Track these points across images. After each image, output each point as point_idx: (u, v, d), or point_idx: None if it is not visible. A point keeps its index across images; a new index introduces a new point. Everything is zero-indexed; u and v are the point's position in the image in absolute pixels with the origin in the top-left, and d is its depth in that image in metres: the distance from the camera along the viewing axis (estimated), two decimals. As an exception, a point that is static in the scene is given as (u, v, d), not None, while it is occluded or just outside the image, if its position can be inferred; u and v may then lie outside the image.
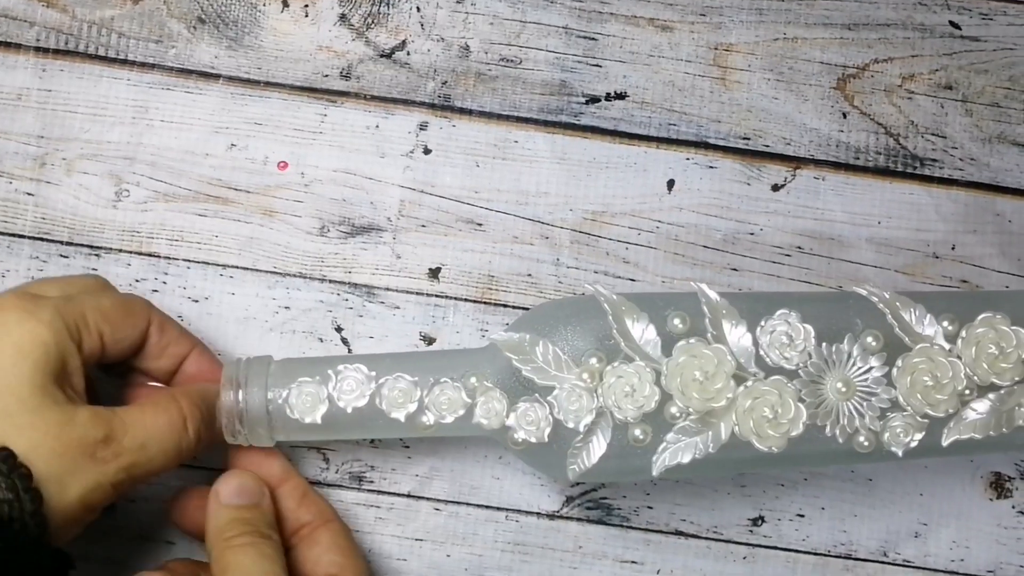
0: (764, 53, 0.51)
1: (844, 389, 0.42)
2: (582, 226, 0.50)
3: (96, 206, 0.48)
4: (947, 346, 0.43)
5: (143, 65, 0.49)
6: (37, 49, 0.49)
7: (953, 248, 0.50)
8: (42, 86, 0.49)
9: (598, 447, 0.42)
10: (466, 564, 0.48)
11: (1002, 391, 0.43)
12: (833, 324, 0.43)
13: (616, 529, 0.49)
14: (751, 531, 0.49)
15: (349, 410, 0.42)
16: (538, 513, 0.49)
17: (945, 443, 0.42)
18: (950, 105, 0.51)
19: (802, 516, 0.49)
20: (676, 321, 0.42)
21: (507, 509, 0.49)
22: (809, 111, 0.51)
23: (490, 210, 0.50)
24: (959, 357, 0.42)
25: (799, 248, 0.50)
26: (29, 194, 0.48)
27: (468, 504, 0.48)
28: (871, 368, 0.42)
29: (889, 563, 0.49)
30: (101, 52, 0.49)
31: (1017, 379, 0.43)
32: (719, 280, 0.50)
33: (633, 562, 0.49)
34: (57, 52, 0.49)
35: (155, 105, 0.49)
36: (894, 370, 0.42)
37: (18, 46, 0.49)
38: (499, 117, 0.50)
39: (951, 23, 0.51)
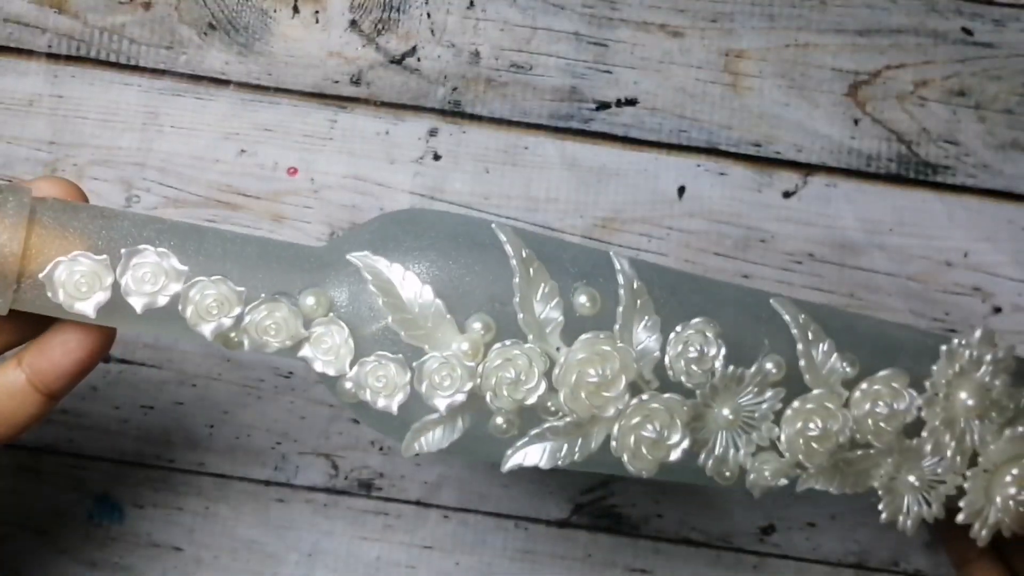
0: (775, 59, 0.51)
1: (731, 418, 0.37)
2: (592, 233, 0.49)
3: (106, 212, 0.49)
4: (844, 393, 0.38)
5: (154, 71, 0.49)
6: (48, 55, 0.49)
7: (966, 256, 0.50)
8: (53, 92, 0.49)
9: (452, 431, 0.35)
10: (475, 572, 0.48)
11: (871, 451, 0.39)
12: (743, 340, 0.37)
13: (625, 538, 0.49)
14: (761, 540, 0.49)
15: (139, 309, 0.33)
16: (547, 521, 0.49)
17: (799, 489, 0.38)
18: (963, 112, 0.51)
19: (813, 525, 0.49)
20: (583, 299, 0.35)
21: (516, 517, 0.48)
22: (821, 118, 0.50)
23: (500, 216, 0.49)
24: (849, 408, 0.38)
25: (811, 255, 0.50)
26: (40, 200, 0.48)
27: (477, 512, 0.48)
28: (763, 402, 0.37)
29: (900, 573, 0.49)
30: (112, 58, 0.49)
31: (886, 446, 0.39)
32: (730, 287, 0.49)
33: (643, 571, 0.49)
34: (68, 58, 0.49)
35: (165, 111, 0.49)
36: (788, 410, 0.37)
37: (30, 52, 0.49)
38: (509, 123, 0.50)
39: (964, 29, 0.51)
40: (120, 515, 0.47)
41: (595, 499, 0.49)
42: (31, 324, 0.35)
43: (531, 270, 0.35)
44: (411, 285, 0.34)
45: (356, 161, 0.49)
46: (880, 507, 0.40)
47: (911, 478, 0.39)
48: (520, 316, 0.35)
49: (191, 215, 0.49)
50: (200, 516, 0.48)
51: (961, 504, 0.40)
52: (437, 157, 0.50)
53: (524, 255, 0.35)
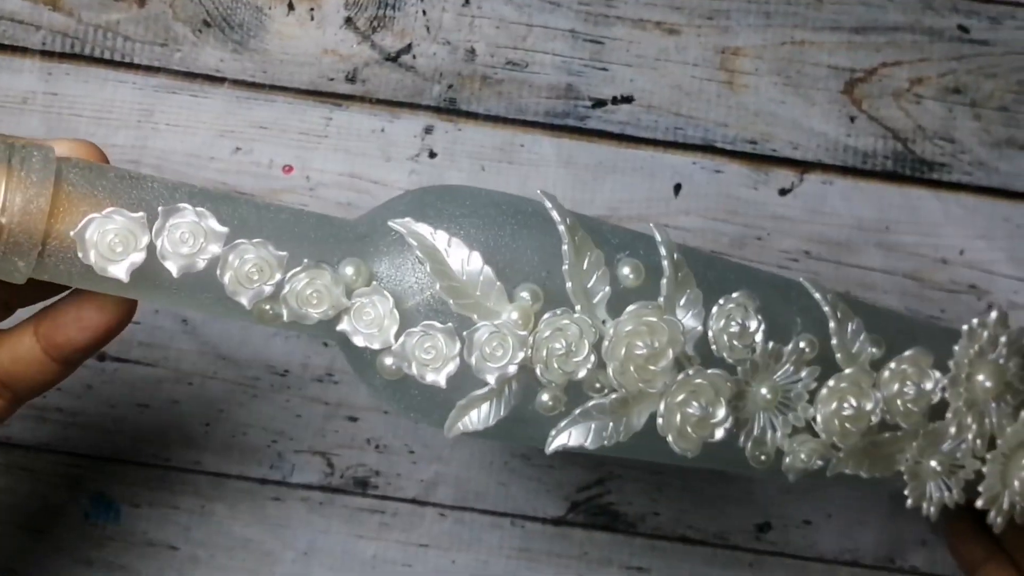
0: (771, 57, 0.51)
1: (769, 398, 0.36)
2: (588, 230, 0.49)
3: (101, 210, 0.48)
4: (873, 374, 0.38)
5: (148, 68, 0.49)
6: (43, 53, 0.49)
7: (962, 253, 0.50)
8: (47, 89, 0.49)
9: (499, 408, 0.33)
10: (471, 570, 0.48)
11: (898, 433, 0.39)
12: (776, 319, 0.36)
13: (622, 535, 0.49)
14: (757, 538, 0.49)
15: (176, 272, 0.31)
16: (543, 519, 0.49)
17: (830, 473, 0.38)
18: (959, 109, 0.51)
19: (809, 523, 0.49)
20: (627, 270, 0.34)
21: (512, 515, 0.48)
22: (816, 115, 0.50)
23: (496, 214, 0.49)
24: (878, 389, 0.38)
25: (807, 253, 0.50)
26: (34, 198, 0.48)
27: (473, 510, 0.48)
28: (799, 381, 0.37)
29: (896, 570, 0.49)
30: (106, 55, 0.49)
31: (913, 427, 0.39)
32: (726, 285, 0.49)
33: (639, 568, 0.49)
34: (63, 55, 0.49)
35: (160, 108, 0.49)
36: (823, 390, 0.37)
37: (24, 49, 0.49)
38: (505, 121, 0.50)
39: (960, 27, 0.51)
40: (116, 514, 0.47)
41: (591, 497, 0.49)
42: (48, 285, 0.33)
43: (576, 238, 0.33)
44: (458, 251, 0.32)
45: (351, 159, 0.49)
46: (906, 492, 0.40)
47: (933, 463, 0.39)
48: (568, 285, 0.33)
49: (186, 213, 0.48)
50: (196, 515, 0.48)
51: (980, 489, 0.40)
52: (433, 155, 0.49)
53: (569, 222, 0.33)
